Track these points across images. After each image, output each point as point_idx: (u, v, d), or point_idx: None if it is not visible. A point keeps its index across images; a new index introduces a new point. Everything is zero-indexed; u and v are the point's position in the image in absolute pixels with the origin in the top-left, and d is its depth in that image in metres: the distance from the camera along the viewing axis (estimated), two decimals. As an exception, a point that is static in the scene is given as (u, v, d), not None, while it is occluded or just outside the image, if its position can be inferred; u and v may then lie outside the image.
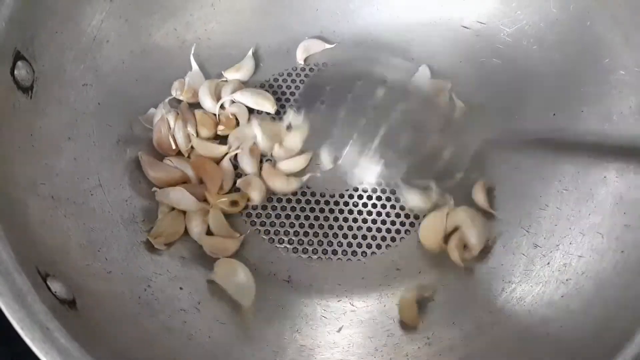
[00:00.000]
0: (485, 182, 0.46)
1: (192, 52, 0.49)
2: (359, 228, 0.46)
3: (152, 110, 0.47)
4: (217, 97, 0.49)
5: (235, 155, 0.47)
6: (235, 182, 0.46)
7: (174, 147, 0.46)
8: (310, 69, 0.52)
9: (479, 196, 0.45)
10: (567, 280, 0.39)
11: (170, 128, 0.46)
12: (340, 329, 0.42)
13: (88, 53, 0.43)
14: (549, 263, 0.41)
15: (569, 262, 0.40)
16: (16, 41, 0.36)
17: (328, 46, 0.52)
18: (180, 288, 0.41)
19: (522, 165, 0.46)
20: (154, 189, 0.44)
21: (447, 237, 0.44)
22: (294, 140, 0.48)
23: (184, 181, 0.46)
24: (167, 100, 0.47)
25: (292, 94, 0.51)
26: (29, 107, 0.37)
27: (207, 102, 0.49)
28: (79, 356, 0.28)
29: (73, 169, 0.40)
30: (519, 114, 0.47)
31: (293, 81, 0.52)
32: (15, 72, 0.36)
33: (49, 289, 0.31)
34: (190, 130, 0.47)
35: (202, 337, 0.38)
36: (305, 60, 0.52)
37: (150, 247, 0.42)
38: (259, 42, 0.52)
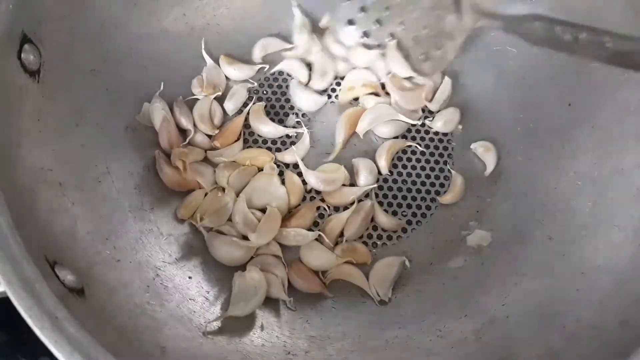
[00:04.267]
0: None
1: (203, 46, 0.48)
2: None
3: (145, 105, 0.45)
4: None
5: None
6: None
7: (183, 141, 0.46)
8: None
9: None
10: (582, 273, 0.38)
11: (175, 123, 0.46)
12: (350, 321, 0.41)
13: (96, 38, 0.42)
14: (564, 255, 0.40)
15: (585, 254, 0.39)
16: (23, 24, 0.35)
17: (288, 46, 0.51)
18: (189, 277, 0.41)
19: (536, 156, 0.45)
20: None
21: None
22: None
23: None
24: (157, 93, 0.46)
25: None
26: (36, 91, 0.36)
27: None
28: (88, 345, 0.28)
29: (81, 155, 0.39)
30: (534, 104, 0.46)
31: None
32: (22, 55, 0.35)
33: (58, 277, 0.30)
34: (188, 125, 0.46)
35: (210, 327, 0.38)
36: (263, 59, 0.51)
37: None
38: (269, 28, 0.51)
